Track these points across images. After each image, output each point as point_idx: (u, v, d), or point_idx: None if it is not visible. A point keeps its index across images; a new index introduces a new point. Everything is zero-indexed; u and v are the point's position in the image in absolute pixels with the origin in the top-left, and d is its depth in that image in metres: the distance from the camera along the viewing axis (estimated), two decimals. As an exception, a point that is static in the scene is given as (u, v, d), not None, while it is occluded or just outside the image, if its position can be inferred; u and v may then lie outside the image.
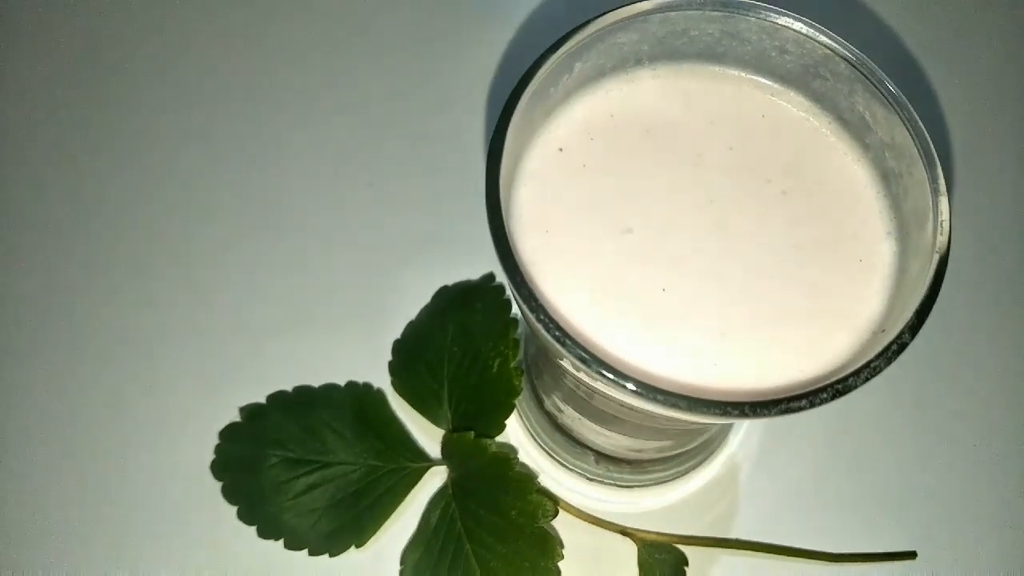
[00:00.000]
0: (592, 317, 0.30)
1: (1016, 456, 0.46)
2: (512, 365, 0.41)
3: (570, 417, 0.41)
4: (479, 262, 0.47)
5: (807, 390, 0.26)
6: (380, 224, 0.51)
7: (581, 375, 0.28)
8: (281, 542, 0.41)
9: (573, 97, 0.33)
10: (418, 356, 0.44)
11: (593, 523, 0.43)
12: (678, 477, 0.45)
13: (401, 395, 0.44)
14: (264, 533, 0.41)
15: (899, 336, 0.27)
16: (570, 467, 0.45)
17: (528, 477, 0.39)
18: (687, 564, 0.41)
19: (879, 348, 0.27)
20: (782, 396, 0.26)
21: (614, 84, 0.34)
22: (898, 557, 0.43)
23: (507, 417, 0.41)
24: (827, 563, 0.43)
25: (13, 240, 0.50)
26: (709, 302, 0.30)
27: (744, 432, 0.46)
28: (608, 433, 0.40)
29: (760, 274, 0.31)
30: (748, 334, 0.30)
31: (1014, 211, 0.52)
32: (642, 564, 0.41)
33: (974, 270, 0.50)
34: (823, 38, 0.31)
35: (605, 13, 0.31)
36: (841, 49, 0.31)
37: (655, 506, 0.44)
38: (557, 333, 0.26)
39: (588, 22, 0.31)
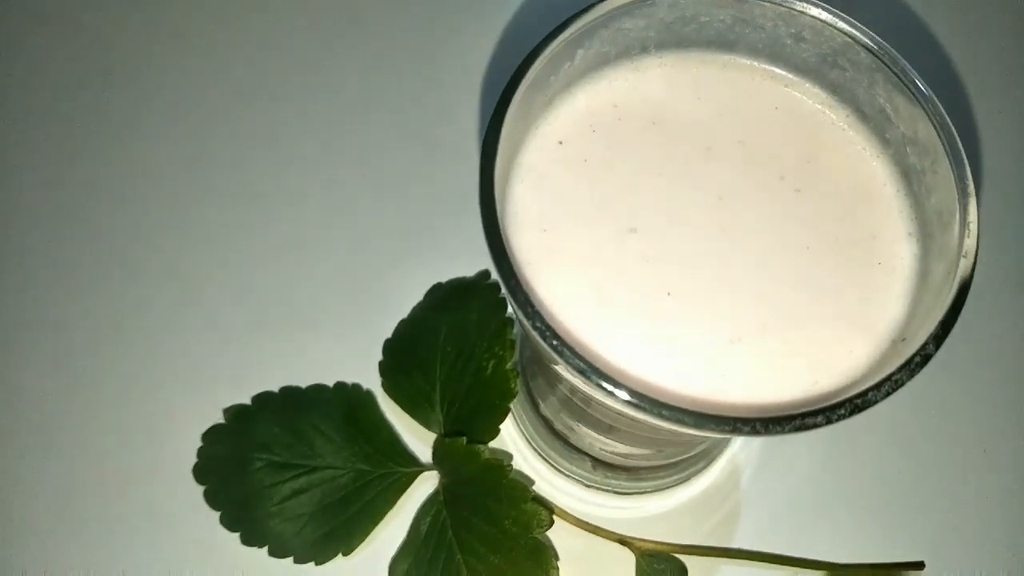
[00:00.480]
0: (592, 323, 0.28)
1: (1029, 463, 0.45)
2: (507, 367, 0.40)
3: (566, 423, 0.40)
4: (474, 258, 0.46)
5: (823, 405, 0.25)
6: (372, 219, 0.50)
7: (579, 384, 0.26)
8: (265, 549, 0.40)
9: (575, 87, 0.32)
10: (410, 356, 0.43)
11: (590, 531, 0.42)
12: (678, 484, 0.44)
13: (391, 397, 0.43)
14: (248, 540, 0.40)
15: (923, 347, 0.25)
16: (567, 473, 0.44)
17: (522, 486, 0.38)
18: (687, 574, 0.40)
19: (901, 360, 0.25)
20: (797, 412, 0.24)
21: (618, 73, 0.33)
22: (906, 567, 0.42)
23: (501, 421, 0.40)
24: (832, 573, 0.42)
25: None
26: (717, 307, 0.29)
27: (746, 436, 0.45)
28: (606, 441, 0.39)
29: (772, 277, 0.30)
30: (759, 342, 0.29)
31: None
32: (640, 574, 0.40)
33: (989, 272, 0.49)
34: (843, 25, 0.30)
35: (610, -3, 0.30)
36: (862, 37, 0.30)
37: (654, 513, 0.44)
38: (555, 342, 0.25)
39: (591, 6, 0.30)
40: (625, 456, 0.42)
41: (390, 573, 0.40)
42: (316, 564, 0.40)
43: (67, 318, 0.47)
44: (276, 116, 0.52)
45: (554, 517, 0.40)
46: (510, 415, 0.43)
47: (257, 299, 0.48)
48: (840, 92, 0.32)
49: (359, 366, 0.44)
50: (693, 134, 0.32)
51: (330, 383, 0.44)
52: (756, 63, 0.33)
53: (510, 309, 0.42)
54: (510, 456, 0.44)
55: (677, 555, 0.41)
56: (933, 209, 0.29)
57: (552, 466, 0.44)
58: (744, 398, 0.27)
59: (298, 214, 0.50)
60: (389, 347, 0.44)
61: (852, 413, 0.24)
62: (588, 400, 0.33)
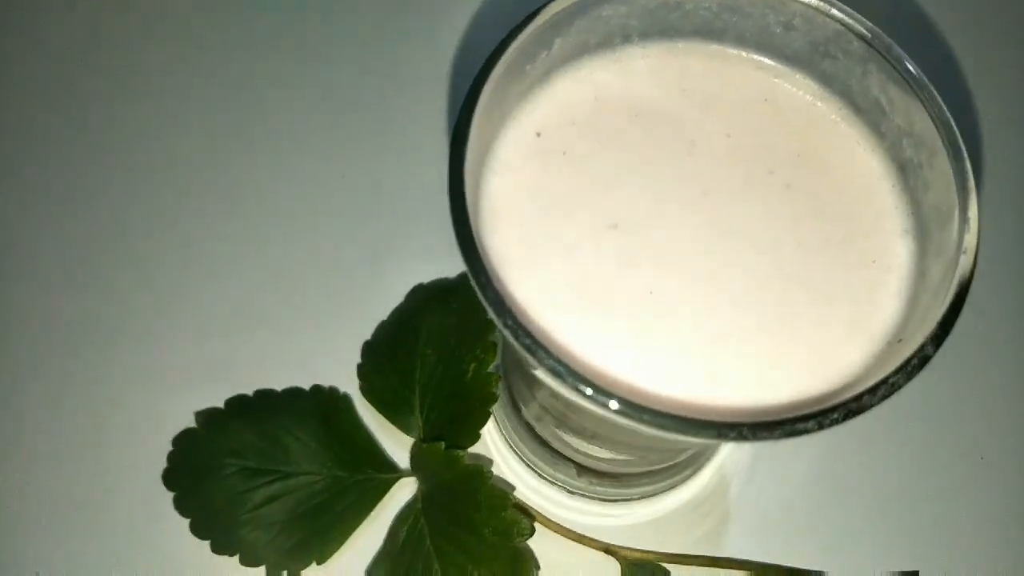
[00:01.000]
0: (570, 323, 0.27)
1: (1025, 470, 0.45)
2: (489, 370, 0.40)
3: (549, 429, 0.40)
4: (456, 260, 0.43)
5: (815, 409, 0.23)
6: (352, 218, 0.49)
7: (556, 387, 0.25)
8: (236, 558, 0.39)
9: (553, 76, 0.31)
10: (389, 359, 0.42)
11: (574, 539, 0.41)
12: (665, 491, 0.43)
13: (370, 401, 0.42)
14: (218, 548, 0.39)
15: (921, 348, 0.24)
16: (550, 479, 0.43)
17: (503, 493, 0.38)
18: (674, 584, 0.40)
19: (898, 361, 0.24)
20: (786, 416, 0.23)
21: (599, 63, 0.32)
22: (901, 579, 0.42)
23: (482, 426, 0.39)
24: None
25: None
26: (703, 307, 0.28)
27: (733, 443, 0.44)
28: (589, 447, 0.39)
29: (760, 276, 0.29)
30: (746, 344, 0.27)
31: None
32: (626, 584, 0.40)
33: (986, 270, 0.48)
34: (835, 12, 0.29)
35: (589, -19, 0.29)
36: (855, 24, 0.29)
37: (640, 521, 0.43)
38: (527, 341, 0.24)
39: (567, -9, 0.29)
40: (610, 462, 0.41)
41: (366, 583, 0.39)
42: (289, 573, 0.39)
43: (35, 319, 0.46)
44: (249, 117, 0.51)
45: (536, 525, 0.40)
46: (491, 420, 0.43)
47: (231, 299, 0.47)
48: (832, 83, 0.31)
49: (336, 369, 0.43)
50: (677, 127, 0.31)
51: (306, 386, 0.43)
52: (744, 53, 0.32)
53: (491, 310, 0.41)
54: (491, 462, 0.44)
55: (663, 564, 0.40)
56: (930, 205, 0.28)
57: (535, 472, 0.43)
58: (730, 402, 0.26)
59: (275, 213, 0.49)
60: (368, 349, 0.43)
61: (846, 418, 0.23)
62: (569, 405, 0.32)
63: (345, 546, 0.40)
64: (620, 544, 0.41)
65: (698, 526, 0.43)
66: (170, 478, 0.41)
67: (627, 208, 0.29)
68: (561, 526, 0.41)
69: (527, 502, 0.42)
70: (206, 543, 0.39)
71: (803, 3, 0.29)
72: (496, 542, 0.37)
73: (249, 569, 0.39)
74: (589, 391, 0.23)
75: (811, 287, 0.28)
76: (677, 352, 0.27)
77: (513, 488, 0.42)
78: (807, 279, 0.29)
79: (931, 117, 0.27)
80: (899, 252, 0.29)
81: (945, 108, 0.27)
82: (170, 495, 0.40)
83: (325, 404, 0.42)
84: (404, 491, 0.41)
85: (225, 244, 0.48)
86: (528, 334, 0.24)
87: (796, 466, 0.44)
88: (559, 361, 0.23)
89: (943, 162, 0.27)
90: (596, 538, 0.41)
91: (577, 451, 0.40)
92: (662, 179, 0.30)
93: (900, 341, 0.27)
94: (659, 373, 0.27)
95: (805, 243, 0.29)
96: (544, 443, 0.42)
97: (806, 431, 0.23)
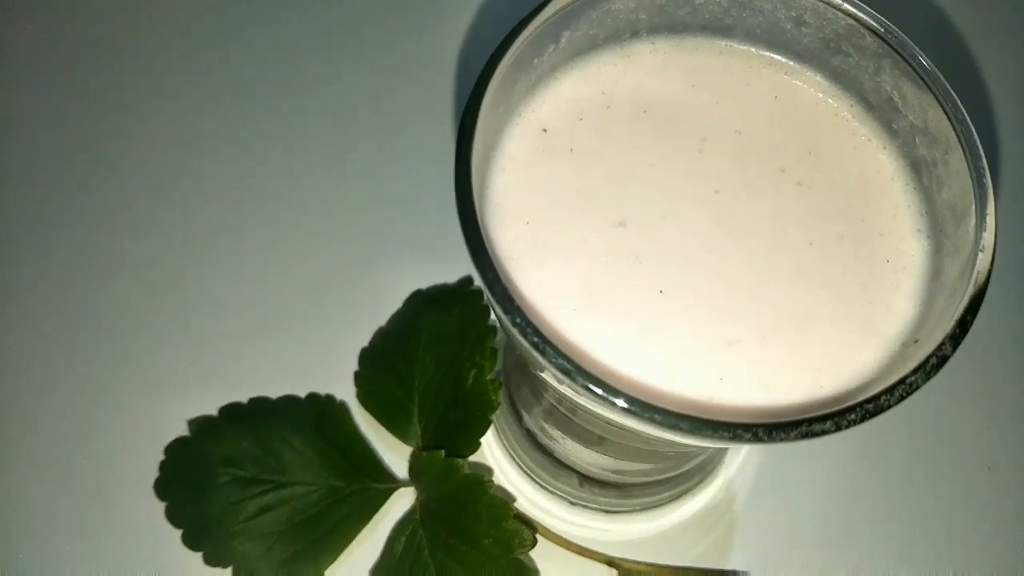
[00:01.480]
0: (578, 322, 0.27)
1: (1035, 483, 0.44)
2: (489, 377, 0.39)
3: (551, 436, 0.39)
4: (456, 265, 0.45)
5: (832, 410, 0.23)
6: (349, 223, 0.49)
7: (565, 389, 0.25)
8: (230, 570, 0.39)
9: (560, 71, 0.31)
10: (387, 366, 0.42)
11: (575, 552, 0.40)
12: (669, 502, 0.43)
13: (367, 408, 0.42)
14: (211, 560, 0.39)
15: (939, 348, 0.24)
16: (551, 490, 0.42)
17: (503, 503, 0.37)
18: (677, 598, 0.39)
19: (915, 362, 0.24)
20: (803, 417, 0.23)
21: (607, 58, 0.31)
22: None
23: (482, 435, 0.39)
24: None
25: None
26: (713, 307, 0.27)
27: (743, 453, 0.44)
28: (594, 454, 0.38)
29: (772, 276, 0.28)
30: (759, 344, 0.27)
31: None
32: (628, 598, 0.40)
33: (996, 274, 0.47)
34: (847, 7, 0.29)
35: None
36: (867, 19, 0.28)
37: (644, 534, 0.42)
38: (536, 339, 0.23)
39: (576, -16, 0.28)
40: (614, 471, 0.40)
41: (363, 596, 0.39)
42: (284, 586, 0.38)
43: (28, 323, 0.45)
44: (247, 120, 0.51)
45: (537, 536, 0.39)
46: (492, 428, 0.42)
47: (227, 305, 0.46)
48: (844, 80, 0.31)
49: (333, 376, 0.43)
50: (687, 123, 0.31)
51: (302, 394, 0.43)
52: (754, 49, 0.32)
53: (492, 317, 0.41)
54: (491, 471, 0.43)
55: (667, 578, 0.39)
56: (945, 203, 0.28)
57: (536, 482, 0.43)
58: (743, 403, 0.26)
59: (272, 218, 0.49)
60: (365, 356, 0.43)
61: (864, 419, 0.23)
62: (575, 409, 0.31)
63: (341, 558, 0.39)
64: (623, 557, 0.40)
65: (704, 539, 0.42)
66: (162, 487, 0.40)
67: (636, 205, 0.29)
68: (562, 538, 0.41)
69: (527, 513, 0.41)
70: (199, 555, 0.39)
71: (815, -2, 0.29)
72: (497, 553, 0.36)
73: (242, 582, 0.38)
74: (598, 390, 0.23)
75: (824, 287, 0.28)
76: (688, 351, 0.27)
77: (514, 499, 0.42)
78: (820, 279, 0.28)
79: (946, 114, 0.27)
80: (913, 252, 0.29)
81: (960, 104, 0.27)
82: (162, 505, 0.39)
83: (321, 412, 0.42)
84: (402, 501, 0.40)
85: (220, 250, 0.48)
86: (537, 331, 0.23)
87: (805, 480, 0.44)
88: (569, 360, 0.23)
89: (958, 159, 0.27)
90: (598, 551, 0.40)
91: (580, 460, 0.40)
92: (671, 176, 0.29)
93: (916, 342, 0.26)
94: (670, 373, 0.26)
95: (817, 242, 0.29)
96: (546, 452, 0.41)
97: (823, 432, 0.23)
